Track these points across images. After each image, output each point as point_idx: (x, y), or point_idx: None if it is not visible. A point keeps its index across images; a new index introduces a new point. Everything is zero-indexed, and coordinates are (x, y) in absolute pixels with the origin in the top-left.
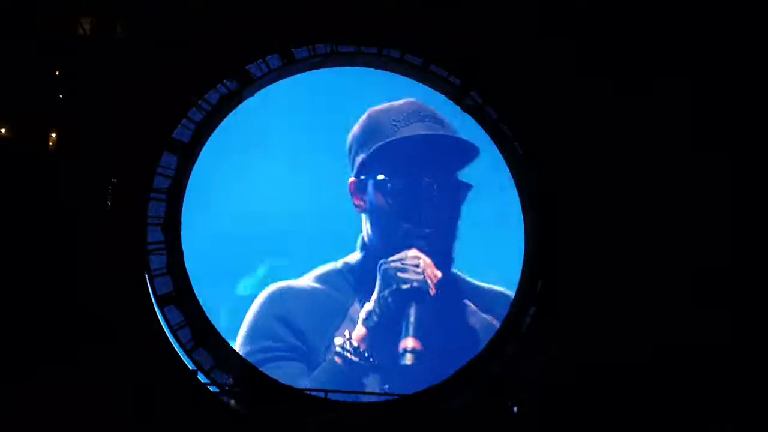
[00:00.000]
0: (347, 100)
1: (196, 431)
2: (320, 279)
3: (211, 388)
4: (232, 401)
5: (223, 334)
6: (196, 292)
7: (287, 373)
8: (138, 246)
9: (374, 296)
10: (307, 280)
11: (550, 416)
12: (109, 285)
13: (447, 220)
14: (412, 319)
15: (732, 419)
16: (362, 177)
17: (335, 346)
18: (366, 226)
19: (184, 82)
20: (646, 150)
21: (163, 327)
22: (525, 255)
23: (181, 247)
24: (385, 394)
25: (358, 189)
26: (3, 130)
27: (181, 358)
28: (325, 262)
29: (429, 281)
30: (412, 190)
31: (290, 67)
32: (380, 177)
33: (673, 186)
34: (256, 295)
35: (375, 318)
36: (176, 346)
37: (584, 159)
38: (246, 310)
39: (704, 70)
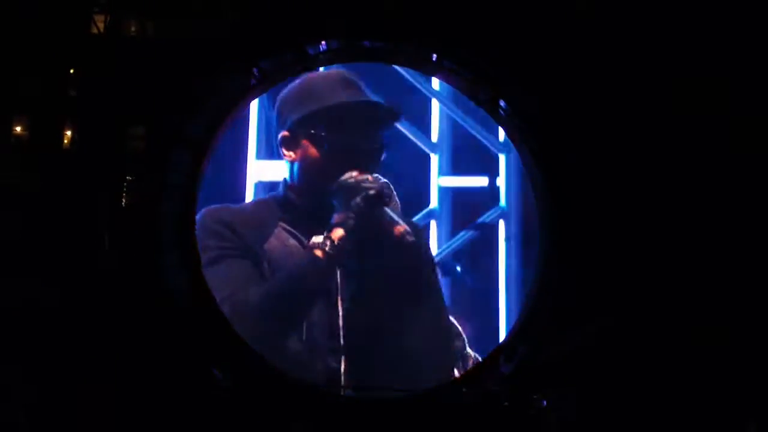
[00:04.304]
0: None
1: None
2: (251, 203)
3: (221, 384)
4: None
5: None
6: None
7: (237, 274)
8: (152, 243)
9: (342, 209)
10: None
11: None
12: (124, 282)
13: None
14: (392, 214)
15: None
16: (295, 132)
17: (313, 243)
18: (292, 171)
19: (197, 77)
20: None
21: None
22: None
23: (194, 241)
24: (398, 390)
25: (290, 141)
26: (18, 129)
27: (192, 350)
28: None
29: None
30: (343, 141)
31: (303, 62)
32: (313, 131)
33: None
34: None
35: (351, 221)
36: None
37: (599, 156)
38: None
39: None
